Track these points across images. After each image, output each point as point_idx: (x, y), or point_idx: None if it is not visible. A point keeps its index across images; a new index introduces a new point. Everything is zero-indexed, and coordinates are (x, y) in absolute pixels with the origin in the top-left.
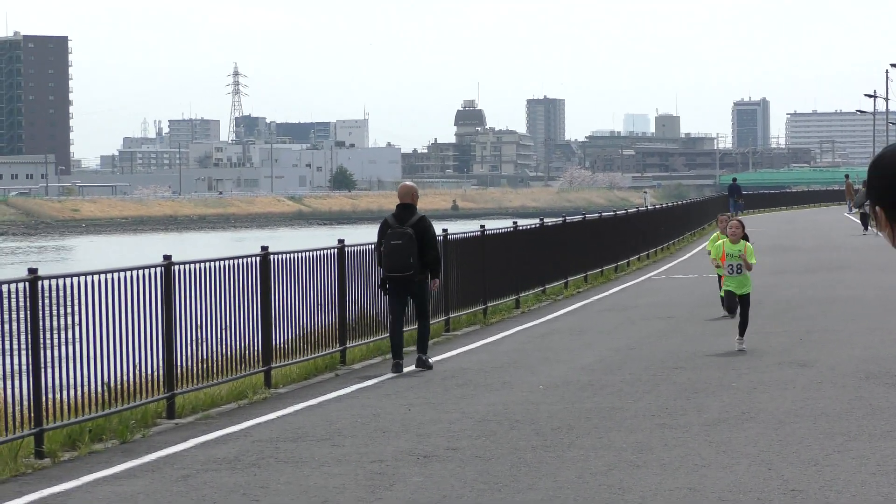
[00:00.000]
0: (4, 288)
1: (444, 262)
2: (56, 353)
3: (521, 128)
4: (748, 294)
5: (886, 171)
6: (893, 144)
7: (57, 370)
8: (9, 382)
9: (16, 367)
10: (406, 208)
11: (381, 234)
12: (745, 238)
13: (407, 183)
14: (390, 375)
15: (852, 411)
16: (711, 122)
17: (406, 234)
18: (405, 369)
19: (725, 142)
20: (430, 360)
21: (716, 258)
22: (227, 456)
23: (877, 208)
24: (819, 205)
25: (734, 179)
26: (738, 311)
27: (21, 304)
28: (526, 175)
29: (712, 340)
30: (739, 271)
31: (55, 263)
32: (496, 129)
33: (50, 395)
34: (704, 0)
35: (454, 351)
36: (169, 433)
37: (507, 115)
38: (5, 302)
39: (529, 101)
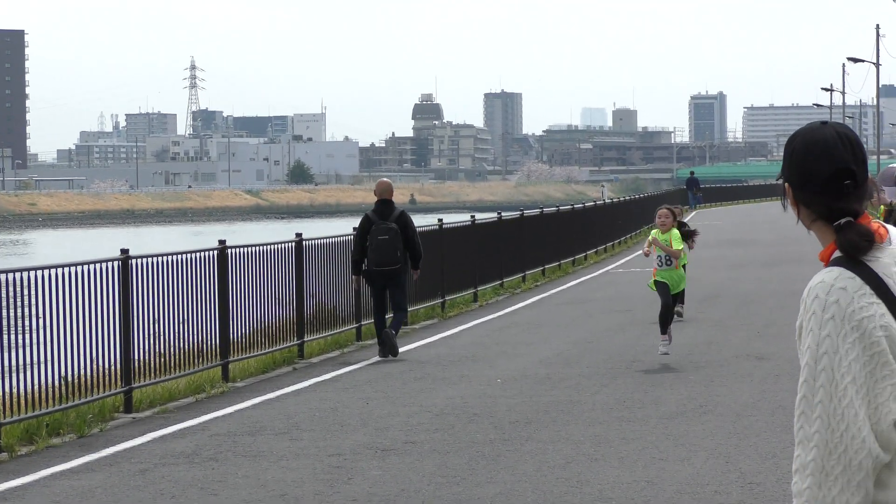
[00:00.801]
0: None
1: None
2: (13, 347)
3: (478, 122)
4: (682, 292)
5: (795, 151)
6: (809, 124)
7: (14, 364)
8: None
9: None
10: (386, 204)
11: (362, 229)
12: (680, 227)
13: (384, 180)
14: (349, 369)
15: None
16: (668, 116)
17: (392, 229)
18: (365, 362)
19: (682, 135)
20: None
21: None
22: (185, 450)
23: (786, 185)
24: (777, 198)
25: (692, 173)
26: (670, 306)
27: None
28: (483, 169)
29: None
30: (669, 262)
31: (12, 257)
32: (454, 123)
33: (6, 389)
34: None
35: (412, 344)
36: (126, 427)
37: (464, 109)
38: None
39: (487, 95)
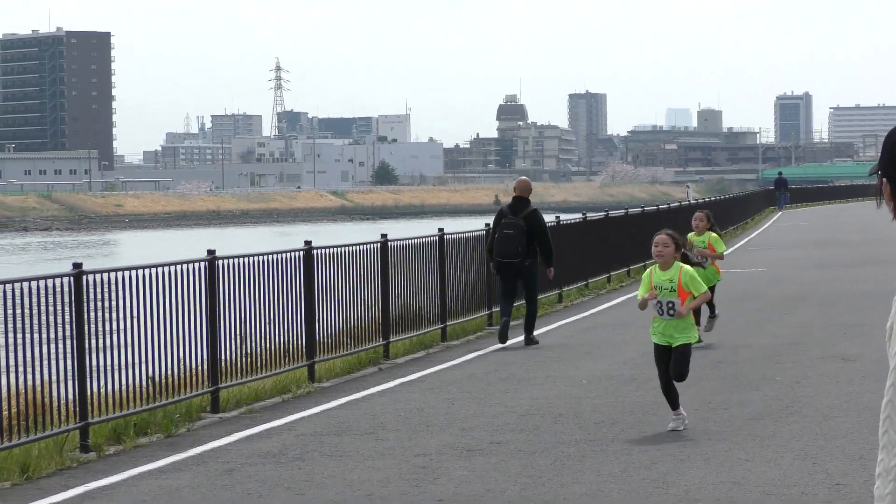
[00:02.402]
0: (49, 283)
1: (485, 256)
2: (101, 347)
3: (562, 122)
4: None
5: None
6: None
7: (102, 364)
8: (54, 377)
9: (61, 362)
10: (520, 201)
11: (496, 222)
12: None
13: (523, 178)
14: (434, 369)
15: None
16: (754, 117)
17: (518, 225)
18: (450, 362)
19: (768, 136)
20: (536, 338)
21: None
22: (272, 450)
23: (884, 179)
24: (863, 199)
25: (780, 173)
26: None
27: (66, 298)
28: (568, 170)
29: (754, 335)
30: (672, 312)
31: (99, 258)
32: (538, 124)
33: (95, 390)
34: None
35: (497, 345)
36: (213, 427)
37: (548, 109)
38: (51, 297)
39: (571, 96)
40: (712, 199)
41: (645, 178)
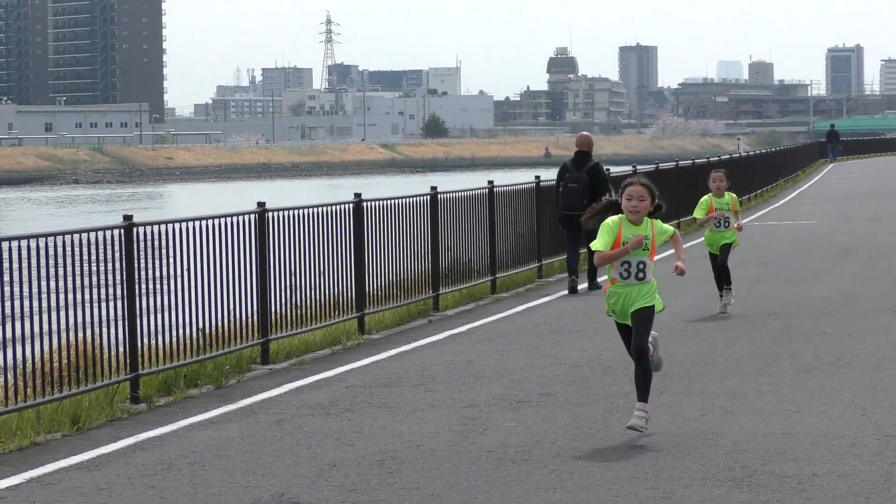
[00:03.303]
0: (100, 235)
1: (535, 211)
2: (151, 299)
3: (613, 75)
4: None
5: None
6: None
7: (152, 316)
8: (105, 329)
9: (111, 314)
10: (583, 155)
11: (559, 176)
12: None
13: (584, 133)
14: (483, 321)
15: None
16: (805, 69)
17: (582, 178)
18: (499, 315)
19: (819, 88)
20: (599, 283)
21: (701, 216)
22: (322, 401)
23: None
24: None
25: (832, 125)
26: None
27: (116, 251)
28: (618, 122)
29: (805, 287)
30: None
31: (150, 211)
32: (588, 77)
33: (145, 341)
34: None
35: (547, 297)
36: (263, 379)
37: (599, 62)
38: (101, 249)
39: (622, 48)
40: (764, 151)
41: (696, 131)
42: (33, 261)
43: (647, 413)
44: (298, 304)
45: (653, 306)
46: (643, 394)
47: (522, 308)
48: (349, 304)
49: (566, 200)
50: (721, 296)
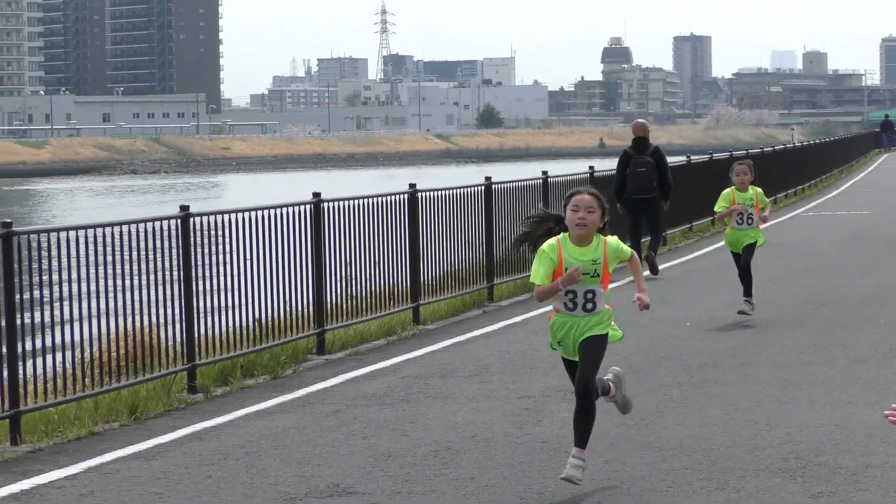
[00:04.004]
0: (157, 225)
1: None
2: (208, 289)
3: (667, 65)
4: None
5: None
6: None
7: (209, 306)
8: (162, 319)
9: (169, 304)
10: (641, 141)
11: (622, 162)
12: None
13: (640, 120)
14: (538, 312)
15: None
16: (859, 59)
17: (649, 162)
18: None
19: (873, 78)
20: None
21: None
22: (377, 391)
23: None
24: None
25: (886, 116)
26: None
27: (174, 240)
28: (672, 112)
29: (858, 277)
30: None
31: (207, 201)
32: (643, 67)
33: (202, 332)
34: None
35: None
36: (319, 369)
37: (653, 52)
38: (158, 239)
39: (676, 38)
40: (818, 141)
41: (750, 121)
42: (91, 251)
43: (585, 461)
44: (354, 294)
45: (605, 335)
46: (581, 439)
47: None
48: (404, 295)
49: (637, 184)
50: (745, 300)
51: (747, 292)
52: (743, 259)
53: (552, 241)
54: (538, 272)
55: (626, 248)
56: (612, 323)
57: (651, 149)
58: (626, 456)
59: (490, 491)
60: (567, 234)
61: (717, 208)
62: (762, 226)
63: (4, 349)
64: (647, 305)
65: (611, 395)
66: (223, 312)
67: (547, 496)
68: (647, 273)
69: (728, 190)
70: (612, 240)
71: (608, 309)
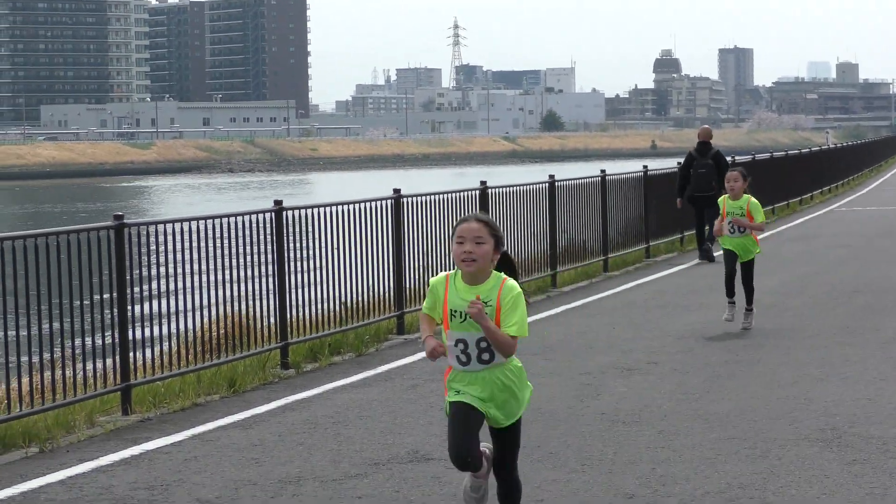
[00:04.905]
0: (254, 218)
1: (644, 195)
2: (299, 275)
3: (713, 74)
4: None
5: None
6: None
7: (300, 291)
8: (258, 302)
9: (264, 289)
10: (705, 145)
11: (686, 163)
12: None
13: (705, 126)
14: (597, 297)
15: None
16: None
17: (709, 164)
18: (611, 291)
19: None
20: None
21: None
22: None
23: None
24: None
25: None
26: (741, 278)
27: (268, 232)
28: (718, 117)
29: (889, 267)
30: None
31: (297, 196)
32: (691, 76)
33: (294, 314)
34: None
35: (654, 275)
36: (399, 347)
37: (700, 62)
38: (254, 231)
39: (721, 50)
40: (850, 143)
41: (788, 125)
42: (194, 241)
43: (735, 305)
44: (429, 280)
45: (519, 420)
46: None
47: (632, 285)
48: None
49: (697, 183)
50: (728, 304)
51: (749, 304)
52: (743, 277)
53: (442, 274)
54: (426, 303)
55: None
56: (525, 380)
57: (712, 152)
58: (677, 427)
59: (554, 458)
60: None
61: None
62: (760, 236)
63: (117, 330)
64: (476, 312)
65: (481, 473)
66: (313, 296)
67: (606, 462)
68: (696, 260)
69: (721, 198)
70: (512, 283)
71: (514, 361)
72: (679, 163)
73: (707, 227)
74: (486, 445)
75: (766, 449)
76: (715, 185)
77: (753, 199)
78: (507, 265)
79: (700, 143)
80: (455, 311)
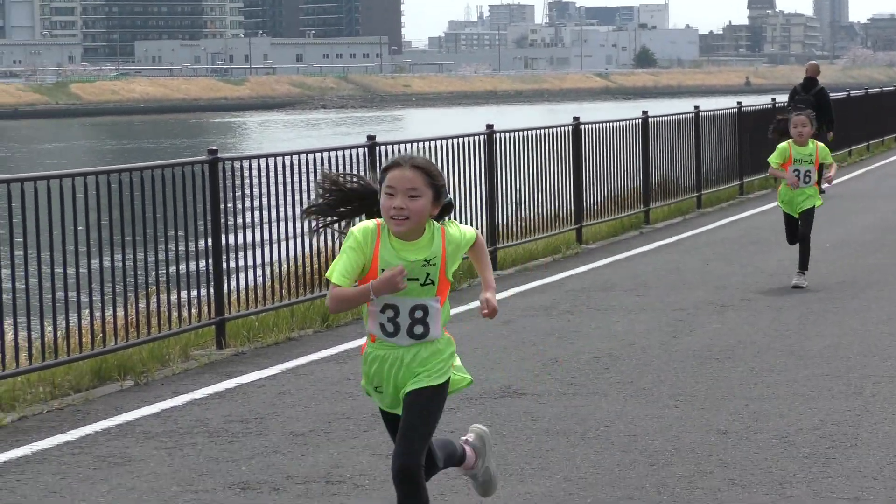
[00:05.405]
0: (347, 153)
1: (737, 133)
2: None
3: (808, 11)
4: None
5: None
6: None
7: None
8: None
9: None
10: (810, 80)
11: (790, 97)
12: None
13: (813, 62)
14: (690, 233)
15: None
16: None
17: (808, 100)
18: (704, 227)
19: None
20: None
21: (777, 165)
22: (544, 304)
23: None
24: None
25: None
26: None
27: (361, 167)
28: (812, 54)
29: None
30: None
31: (391, 133)
32: (785, 12)
33: None
34: None
35: (747, 212)
36: None
37: None
38: (347, 166)
39: None
40: None
41: (883, 62)
42: (287, 176)
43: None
44: (523, 216)
45: (443, 385)
46: (804, 263)
47: (725, 221)
48: (568, 217)
49: None
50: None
51: (803, 265)
52: (801, 229)
53: (369, 223)
54: (336, 266)
55: (470, 232)
56: (456, 360)
57: (816, 88)
58: (771, 363)
59: (646, 393)
60: None
61: (772, 161)
62: (825, 186)
63: (211, 264)
64: (494, 311)
65: (467, 465)
66: None
67: (698, 398)
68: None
69: (784, 144)
70: (454, 228)
71: (447, 337)
72: (773, 99)
73: None
74: (471, 433)
75: (859, 386)
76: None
77: (821, 144)
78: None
79: (806, 79)
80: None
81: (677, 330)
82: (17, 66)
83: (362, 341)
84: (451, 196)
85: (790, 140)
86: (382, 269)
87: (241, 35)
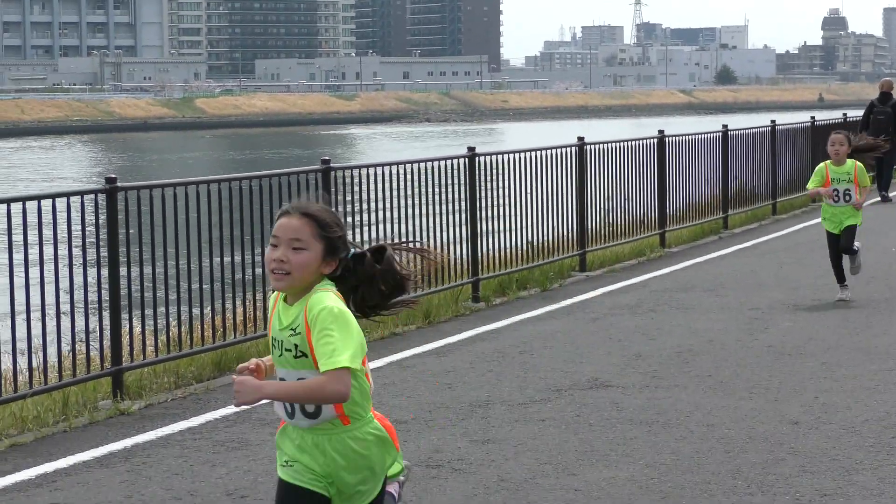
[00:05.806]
0: (449, 163)
1: (811, 145)
2: (490, 216)
3: (878, 32)
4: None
5: None
6: None
7: (491, 234)
8: (453, 240)
9: (456, 229)
10: (886, 95)
11: (867, 110)
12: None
13: (887, 79)
14: (766, 238)
15: None
16: None
17: (886, 111)
18: (779, 233)
19: None
20: (891, 196)
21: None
22: (629, 302)
23: None
24: None
25: None
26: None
27: (463, 176)
28: (882, 72)
29: None
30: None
31: (489, 144)
32: (857, 34)
33: (484, 251)
34: None
35: (820, 218)
36: (581, 283)
37: (866, 20)
38: (450, 175)
39: (886, 9)
40: None
41: None
42: (394, 184)
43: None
44: (610, 222)
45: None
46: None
47: (799, 227)
48: (652, 223)
49: (875, 129)
50: (841, 287)
51: (843, 280)
52: (843, 241)
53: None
54: (814, 182)
55: (320, 307)
56: (393, 447)
57: (892, 102)
58: (839, 359)
59: (724, 387)
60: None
61: (809, 185)
62: (863, 203)
63: None
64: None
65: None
66: (502, 236)
67: (772, 391)
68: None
69: (822, 165)
70: (319, 295)
71: (368, 422)
72: (844, 114)
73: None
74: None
75: None
76: (892, 130)
77: (859, 163)
78: (383, 274)
79: (882, 94)
80: (276, 341)
81: (753, 328)
82: (147, 83)
83: (461, 336)
84: (544, 203)
85: (828, 161)
86: (273, 338)
87: (353, 54)
